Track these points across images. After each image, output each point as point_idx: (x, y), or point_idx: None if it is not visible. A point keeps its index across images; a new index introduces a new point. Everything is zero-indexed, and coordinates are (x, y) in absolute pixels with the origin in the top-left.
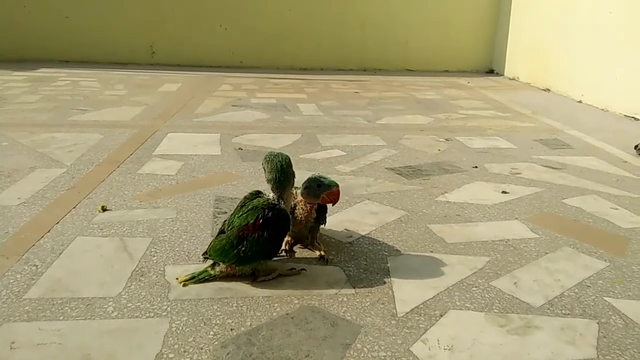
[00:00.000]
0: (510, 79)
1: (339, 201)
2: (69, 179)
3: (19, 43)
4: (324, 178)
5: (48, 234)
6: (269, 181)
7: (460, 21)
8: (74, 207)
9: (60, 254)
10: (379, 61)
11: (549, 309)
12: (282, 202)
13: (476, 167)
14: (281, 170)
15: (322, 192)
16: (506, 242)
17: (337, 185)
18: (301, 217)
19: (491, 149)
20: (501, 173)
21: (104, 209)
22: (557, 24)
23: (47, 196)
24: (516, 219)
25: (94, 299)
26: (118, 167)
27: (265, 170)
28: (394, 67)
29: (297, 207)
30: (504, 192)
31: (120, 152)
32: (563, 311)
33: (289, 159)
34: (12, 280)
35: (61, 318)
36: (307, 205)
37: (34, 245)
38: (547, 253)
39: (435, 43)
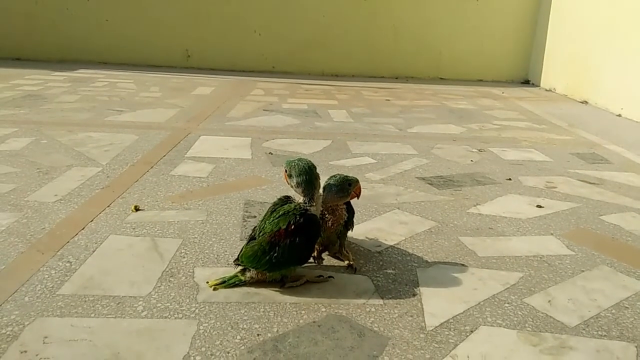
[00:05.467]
0: (546, 90)
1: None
2: (104, 178)
3: (60, 44)
4: (346, 175)
5: (82, 231)
6: (298, 184)
7: (496, 30)
8: (108, 206)
9: (94, 251)
10: (411, 69)
11: (584, 330)
12: (313, 206)
13: (510, 179)
14: (310, 172)
15: (352, 189)
16: (540, 258)
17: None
18: (332, 221)
19: (526, 162)
20: (536, 186)
21: (136, 209)
22: (596, 35)
23: (83, 194)
24: (551, 234)
25: (125, 298)
26: (152, 167)
27: (292, 176)
28: (426, 76)
29: (326, 213)
30: (538, 206)
31: (154, 153)
32: (599, 332)
33: (312, 163)
34: (46, 276)
35: (92, 315)
36: (339, 208)
37: (68, 242)
38: (583, 271)
39: (469, 52)
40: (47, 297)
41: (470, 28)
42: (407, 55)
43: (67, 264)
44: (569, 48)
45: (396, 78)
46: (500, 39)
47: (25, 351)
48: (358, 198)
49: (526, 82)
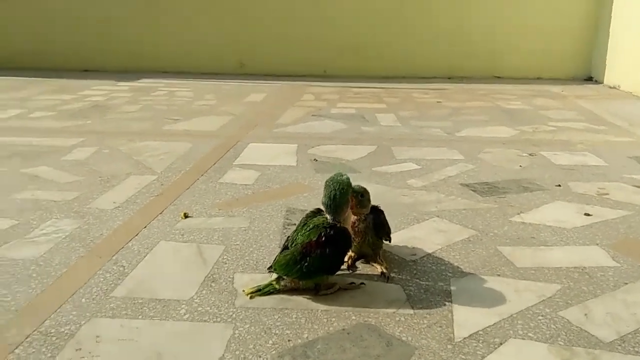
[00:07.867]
0: (610, 87)
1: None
2: (158, 185)
3: (124, 55)
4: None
5: (136, 237)
6: (323, 204)
7: (555, 25)
8: (160, 213)
9: (145, 256)
10: (465, 69)
11: (620, 345)
12: (340, 223)
13: (559, 185)
14: (333, 200)
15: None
16: (582, 269)
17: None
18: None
19: (578, 166)
20: (586, 193)
21: (186, 216)
22: None
23: (138, 202)
24: (597, 244)
25: (169, 301)
26: (202, 175)
27: (324, 193)
28: (481, 75)
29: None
30: (586, 214)
31: (205, 160)
32: (636, 348)
33: (347, 186)
34: (102, 279)
35: (140, 317)
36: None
37: (123, 247)
38: (626, 283)
39: (527, 49)
40: (101, 299)
41: (529, 24)
42: (462, 54)
43: (121, 268)
44: (635, 42)
45: (449, 78)
46: (560, 34)
47: (80, 349)
48: (353, 210)
49: (589, 79)
